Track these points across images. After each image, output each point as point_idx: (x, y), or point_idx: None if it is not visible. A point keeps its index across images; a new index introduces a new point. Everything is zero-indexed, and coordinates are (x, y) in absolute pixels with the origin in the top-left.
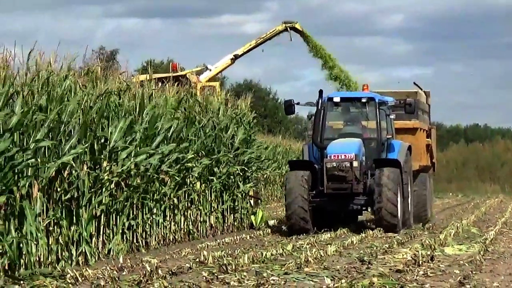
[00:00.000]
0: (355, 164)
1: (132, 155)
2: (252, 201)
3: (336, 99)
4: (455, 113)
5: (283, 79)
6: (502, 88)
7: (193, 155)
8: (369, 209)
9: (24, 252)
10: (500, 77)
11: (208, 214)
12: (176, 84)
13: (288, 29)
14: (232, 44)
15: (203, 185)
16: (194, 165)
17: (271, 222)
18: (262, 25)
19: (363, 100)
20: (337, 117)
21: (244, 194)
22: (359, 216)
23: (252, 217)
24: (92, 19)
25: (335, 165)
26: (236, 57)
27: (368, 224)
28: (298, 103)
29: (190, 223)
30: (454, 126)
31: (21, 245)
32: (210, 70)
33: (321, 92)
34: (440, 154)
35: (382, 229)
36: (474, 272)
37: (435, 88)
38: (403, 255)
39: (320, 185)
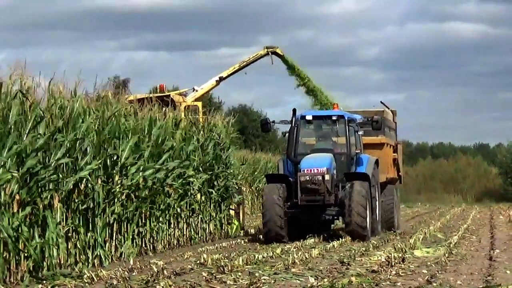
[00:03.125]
0: (327, 177)
1: (141, 170)
2: (232, 212)
3: (309, 117)
4: (423, 133)
5: (275, 104)
6: (464, 111)
7: (193, 171)
8: (340, 219)
9: (46, 256)
10: (463, 102)
11: (207, 222)
12: (160, 104)
13: (270, 53)
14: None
15: (203, 196)
16: (195, 179)
17: (250, 231)
18: (264, 60)
19: (334, 118)
20: (310, 134)
21: (238, 205)
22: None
23: (229, 227)
24: (109, 51)
25: (308, 178)
26: (221, 79)
27: (340, 232)
28: (273, 122)
29: (192, 229)
30: (421, 144)
31: (44, 249)
32: (197, 91)
33: (294, 110)
34: (410, 169)
35: (352, 237)
36: (440, 272)
37: (406, 111)
38: (378, 257)
39: (294, 197)
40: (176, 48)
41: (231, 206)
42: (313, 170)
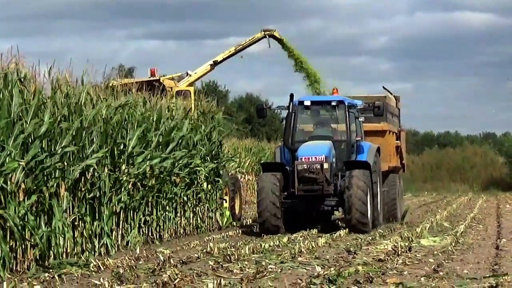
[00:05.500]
0: (326, 166)
1: (147, 159)
2: (224, 202)
3: (307, 103)
4: (430, 122)
5: (281, 93)
6: (471, 101)
7: (200, 160)
8: (340, 210)
9: (53, 244)
10: (470, 92)
11: (214, 210)
12: (150, 89)
13: (267, 36)
14: (237, 61)
15: (210, 185)
16: (202, 168)
17: (245, 222)
18: (262, 45)
19: (333, 104)
20: (308, 120)
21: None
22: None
23: (219, 218)
24: (118, 41)
25: (306, 167)
26: (216, 63)
27: (338, 222)
28: (269, 107)
29: (198, 218)
30: (428, 133)
31: (50, 238)
32: (190, 75)
33: (292, 95)
34: (416, 158)
35: (351, 230)
36: (446, 261)
37: (414, 101)
38: (384, 246)
39: (291, 187)
40: (184, 37)
41: (224, 196)
42: (311, 158)
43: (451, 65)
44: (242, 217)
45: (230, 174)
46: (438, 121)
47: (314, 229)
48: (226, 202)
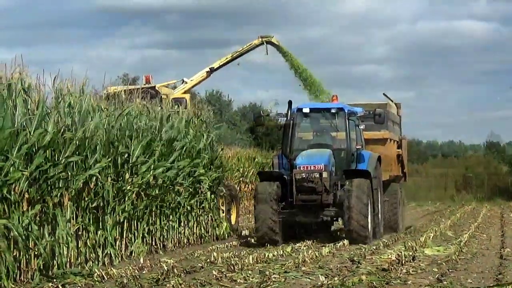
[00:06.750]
0: (325, 175)
1: (151, 169)
2: (223, 212)
3: (306, 110)
4: (433, 131)
5: (285, 102)
6: (474, 110)
7: (203, 170)
8: (340, 220)
9: (56, 254)
10: (474, 100)
11: (217, 220)
12: (148, 96)
13: (264, 43)
14: (238, 70)
15: (213, 194)
16: (205, 177)
17: (243, 232)
18: (264, 54)
19: (333, 111)
20: (307, 128)
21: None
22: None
23: (217, 228)
24: (120, 50)
25: (304, 176)
26: (212, 70)
27: (340, 234)
28: (267, 115)
29: (202, 228)
30: (431, 142)
31: (54, 247)
32: (186, 82)
33: (290, 103)
34: (420, 167)
35: (351, 241)
36: (450, 270)
37: (417, 109)
38: (388, 255)
39: (289, 196)
40: (186, 46)
41: (221, 206)
42: (310, 167)
43: (453, 74)
44: (240, 228)
45: (226, 183)
46: (441, 129)
47: (315, 239)
48: (222, 212)
